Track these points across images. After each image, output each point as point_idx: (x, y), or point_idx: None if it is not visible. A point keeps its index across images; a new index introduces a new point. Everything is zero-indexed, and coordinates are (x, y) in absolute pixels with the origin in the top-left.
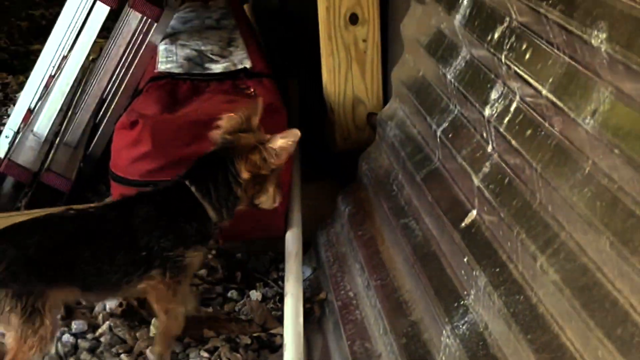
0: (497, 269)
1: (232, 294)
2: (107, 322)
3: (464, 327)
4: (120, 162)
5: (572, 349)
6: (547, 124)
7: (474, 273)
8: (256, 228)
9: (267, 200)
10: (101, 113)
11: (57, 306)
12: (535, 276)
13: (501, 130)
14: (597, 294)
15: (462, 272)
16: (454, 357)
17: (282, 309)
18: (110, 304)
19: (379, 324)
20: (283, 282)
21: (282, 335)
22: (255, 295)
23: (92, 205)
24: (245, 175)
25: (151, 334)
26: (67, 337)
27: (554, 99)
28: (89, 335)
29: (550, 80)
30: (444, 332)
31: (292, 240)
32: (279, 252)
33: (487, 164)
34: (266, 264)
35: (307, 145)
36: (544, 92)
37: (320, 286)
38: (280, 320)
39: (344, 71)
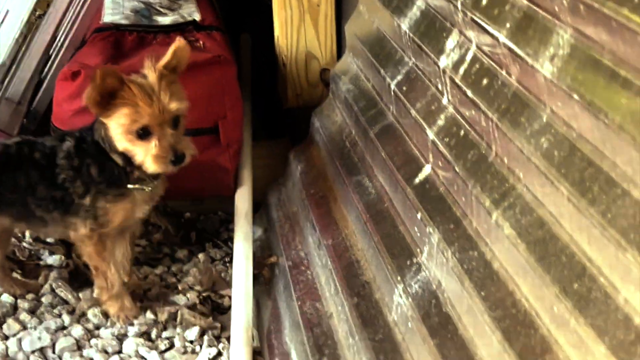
0: (451, 225)
1: (180, 254)
2: (49, 282)
3: (416, 286)
4: (61, 115)
5: (526, 306)
6: (504, 72)
7: (428, 230)
8: (205, 186)
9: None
10: (46, 69)
11: None
12: (489, 231)
13: (457, 80)
14: (554, 248)
15: (415, 229)
16: (405, 316)
17: (231, 270)
18: (54, 262)
19: (330, 284)
20: (233, 242)
21: (230, 297)
22: (203, 256)
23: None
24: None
25: (95, 295)
26: (5, 297)
27: (512, 45)
28: (29, 296)
29: (508, 25)
30: (396, 291)
31: (242, 199)
32: (229, 212)
33: (442, 116)
34: (216, 224)
35: (258, 102)
36: (501, 38)
37: (271, 247)
38: (229, 281)
39: (296, 25)
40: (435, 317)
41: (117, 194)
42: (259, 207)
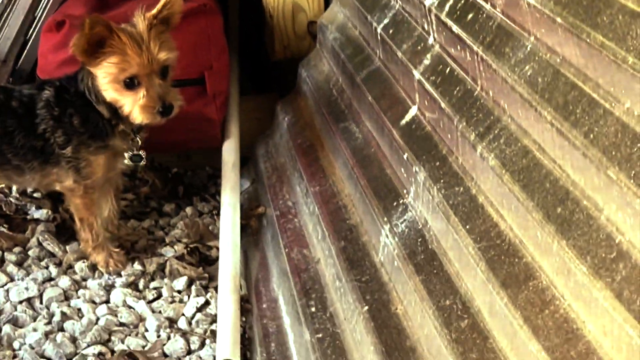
0: (437, 163)
1: (167, 208)
2: (36, 236)
3: (402, 225)
4: (46, 67)
5: (510, 235)
6: (488, 5)
7: (414, 169)
8: (192, 138)
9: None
10: (32, 30)
11: None
12: (474, 165)
13: (442, 17)
14: (537, 175)
15: (402, 170)
16: (392, 256)
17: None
18: (41, 216)
19: (318, 230)
20: (220, 196)
21: (218, 248)
22: (190, 210)
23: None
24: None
25: (81, 247)
26: None
27: None
28: (16, 249)
29: None
30: (382, 232)
31: (229, 150)
32: (217, 167)
33: (428, 56)
34: (204, 179)
35: (245, 56)
36: None
37: (259, 199)
38: (217, 234)
39: None
40: (421, 254)
41: (99, 146)
42: (247, 162)
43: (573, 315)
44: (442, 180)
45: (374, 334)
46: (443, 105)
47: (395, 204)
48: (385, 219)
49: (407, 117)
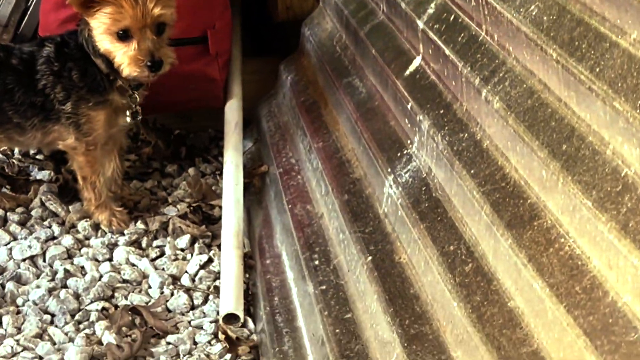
0: (441, 111)
1: (170, 169)
2: (39, 196)
3: (406, 175)
4: (48, 26)
5: (515, 177)
6: None
7: (418, 118)
8: (194, 99)
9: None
10: None
11: None
12: (479, 110)
13: None
14: (542, 115)
15: (406, 120)
16: (395, 205)
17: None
18: (43, 177)
19: (321, 185)
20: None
21: (221, 207)
22: (193, 171)
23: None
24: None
25: (84, 207)
26: None
27: None
28: (19, 209)
29: None
30: (386, 183)
31: (232, 110)
32: (220, 129)
33: (432, 5)
34: (206, 141)
35: (248, 17)
36: None
37: (262, 158)
38: (220, 194)
39: None
40: (425, 202)
41: (98, 101)
42: (249, 124)
43: (578, 251)
44: (446, 128)
45: (377, 283)
46: (447, 52)
47: (399, 154)
48: (389, 170)
49: (411, 68)
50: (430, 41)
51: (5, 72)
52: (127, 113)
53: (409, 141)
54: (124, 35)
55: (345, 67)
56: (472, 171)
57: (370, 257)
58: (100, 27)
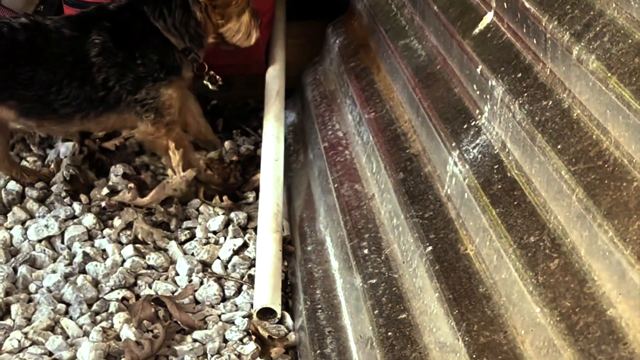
0: (519, 74)
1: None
2: (62, 171)
3: (474, 151)
4: None
5: (616, 154)
6: None
7: (490, 84)
8: (233, 63)
9: (237, 33)
10: None
11: None
12: (568, 73)
13: None
14: None
15: (474, 86)
16: (461, 186)
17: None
18: (67, 149)
19: (372, 162)
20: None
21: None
22: (229, 144)
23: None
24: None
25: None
26: (12, 185)
27: None
28: (38, 185)
29: None
30: (450, 160)
31: (274, 77)
32: (260, 99)
33: None
34: (246, 112)
35: None
36: None
37: (304, 132)
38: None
39: None
40: (497, 183)
41: (173, 79)
42: (292, 94)
43: None
44: (525, 94)
45: (438, 278)
46: (527, 5)
47: (465, 126)
48: (454, 144)
49: (481, 26)
50: None
51: (50, 62)
52: (205, 81)
53: (477, 111)
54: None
55: (402, 27)
56: (558, 147)
57: (430, 247)
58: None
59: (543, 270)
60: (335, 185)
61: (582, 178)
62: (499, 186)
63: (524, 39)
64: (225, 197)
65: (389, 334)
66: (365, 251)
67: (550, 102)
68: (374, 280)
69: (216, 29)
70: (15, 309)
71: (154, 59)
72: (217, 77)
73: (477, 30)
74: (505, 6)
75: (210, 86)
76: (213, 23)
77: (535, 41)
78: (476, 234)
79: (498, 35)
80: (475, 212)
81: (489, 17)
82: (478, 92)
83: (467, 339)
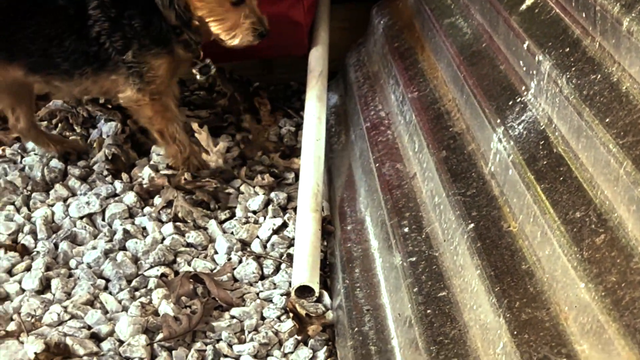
0: (567, 49)
1: (246, 123)
2: (104, 150)
3: (520, 127)
4: None
5: None
6: None
7: (537, 59)
8: (275, 45)
9: (218, 25)
10: None
11: None
12: (618, 45)
13: None
14: None
15: (521, 62)
16: (505, 163)
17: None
18: (109, 129)
19: (414, 141)
20: None
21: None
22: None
23: None
24: None
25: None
26: (54, 163)
27: None
28: (81, 163)
29: None
30: (494, 137)
31: (317, 58)
32: (302, 82)
33: None
34: (288, 94)
35: None
36: None
37: (347, 113)
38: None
39: None
40: (543, 159)
41: (162, 51)
42: (334, 77)
43: None
44: (573, 69)
45: (480, 255)
46: None
47: (511, 103)
48: (499, 121)
49: (528, 1)
50: None
51: (53, 15)
52: (195, 70)
53: (523, 87)
54: (238, 2)
55: (447, 6)
56: (606, 120)
57: (472, 225)
58: None
59: (588, 246)
60: (377, 165)
61: (631, 151)
62: (545, 162)
63: (572, 13)
64: (266, 175)
65: (428, 311)
66: (406, 230)
67: (599, 76)
68: (413, 259)
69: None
70: (55, 283)
71: (140, 24)
72: (212, 67)
73: (524, 6)
74: None
75: (198, 76)
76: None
77: (584, 14)
78: (520, 211)
79: (546, 10)
80: (519, 189)
81: None
82: (524, 69)
83: (508, 315)
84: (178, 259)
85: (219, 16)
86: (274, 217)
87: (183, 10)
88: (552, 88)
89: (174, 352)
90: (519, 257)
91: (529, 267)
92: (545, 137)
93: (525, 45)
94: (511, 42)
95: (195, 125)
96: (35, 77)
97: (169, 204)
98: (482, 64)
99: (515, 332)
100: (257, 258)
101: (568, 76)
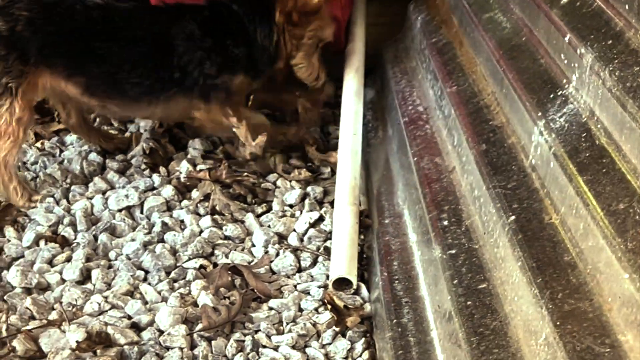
0: (609, 42)
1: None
2: (141, 144)
3: (561, 120)
4: None
5: None
6: None
7: (579, 52)
8: None
9: (307, 69)
10: None
11: (36, 92)
12: None
13: None
14: None
15: (562, 56)
16: (547, 156)
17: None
18: (146, 124)
19: (453, 135)
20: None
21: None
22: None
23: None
24: (278, 16)
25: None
26: (93, 156)
27: None
28: (119, 157)
29: None
30: (535, 129)
31: (354, 53)
32: (339, 77)
33: None
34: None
35: None
36: None
37: (383, 108)
38: (336, 147)
39: None
40: (585, 152)
41: (245, 79)
42: (371, 73)
43: None
44: (615, 61)
45: (521, 247)
46: None
47: (552, 96)
48: (539, 114)
49: None
50: None
51: (129, 43)
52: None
53: (564, 80)
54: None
55: (486, 1)
56: None
57: (513, 217)
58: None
59: (633, 237)
60: (415, 159)
61: None
62: (587, 154)
63: (615, 5)
64: (303, 170)
65: (469, 303)
66: (445, 223)
67: None
68: (453, 251)
69: (288, 56)
70: (95, 274)
71: (236, 53)
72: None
73: (565, 0)
74: None
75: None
76: (287, 49)
77: (627, 7)
78: (562, 203)
79: (588, 3)
80: (561, 181)
81: None
82: (566, 61)
83: (550, 306)
84: (216, 251)
85: (308, 59)
86: (311, 210)
87: (272, 47)
88: (595, 80)
89: (213, 342)
90: (561, 249)
91: (571, 258)
92: (587, 129)
93: (566, 39)
94: (552, 36)
95: (233, 120)
96: (90, 99)
97: (207, 197)
98: (521, 57)
99: (558, 323)
100: (295, 251)
101: (611, 68)
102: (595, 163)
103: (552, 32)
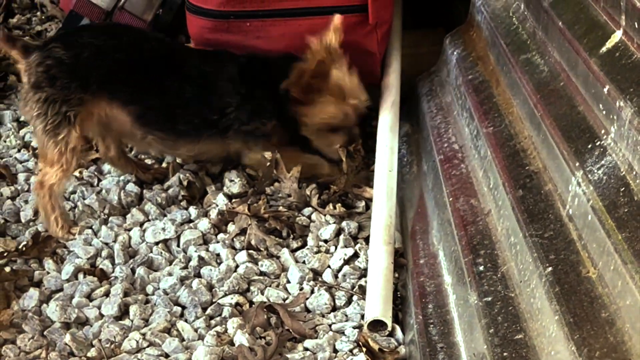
0: None
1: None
2: (178, 174)
3: (599, 172)
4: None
5: None
6: None
7: (618, 104)
8: None
9: (325, 147)
10: None
11: (92, 121)
12: None
13: None
14: None
15: (600, 106)
16: (584, 208)
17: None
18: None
19: (489, 177)
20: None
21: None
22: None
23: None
24: (293, 90)
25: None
26: (130, 187)
27: None
28: (156, 187)
29: None
30: (572, 179)
31: (390, 87)
32: (373, 108)
33: None
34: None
35: None
36: None
37: (419, 143)
38: (369, 181)
39: None
40: (624, 207)
41: (277, 126)
42: (405, 103)
43: None
44: None
45: (559, 301)
46: None
47: (589, 146)
48: (577, 164)
49: (609, 44)
50: (637, 11)
51: (182, 79)
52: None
53: (603, 131)
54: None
55: (524, 41)
56: None
57: (550, 268)
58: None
59: None
60: (450, 199)
61: None
62: (626, 209)
63: None
64: (338, 205)
65: (505, 354)
66: (481, 268)
67: None
68: (489, 298)
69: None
70: (133, 309)
71: (267, 103)
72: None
73: (604, 49)
74: (636, 25)
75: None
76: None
77: None
78: (599, 257)
79: (627, 54)
80: (599, 235)
81: (617, 36)
82: (604, 112)
83: None
84: (251, 287)
85: (325, 137)
86: (345, 246)
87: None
88: (634, 135)
89: None
90: (599, 304)
91: (609, 315)
92: (625, 183)
93: (605, 89)
94: (590, 85)
95: (267, 154)
96: (139, 130)
97: (243, 231)
98: (559, 103)
99: None
100: (329, 289)
101: None
102: (634, 220)
103: (590, 81)
